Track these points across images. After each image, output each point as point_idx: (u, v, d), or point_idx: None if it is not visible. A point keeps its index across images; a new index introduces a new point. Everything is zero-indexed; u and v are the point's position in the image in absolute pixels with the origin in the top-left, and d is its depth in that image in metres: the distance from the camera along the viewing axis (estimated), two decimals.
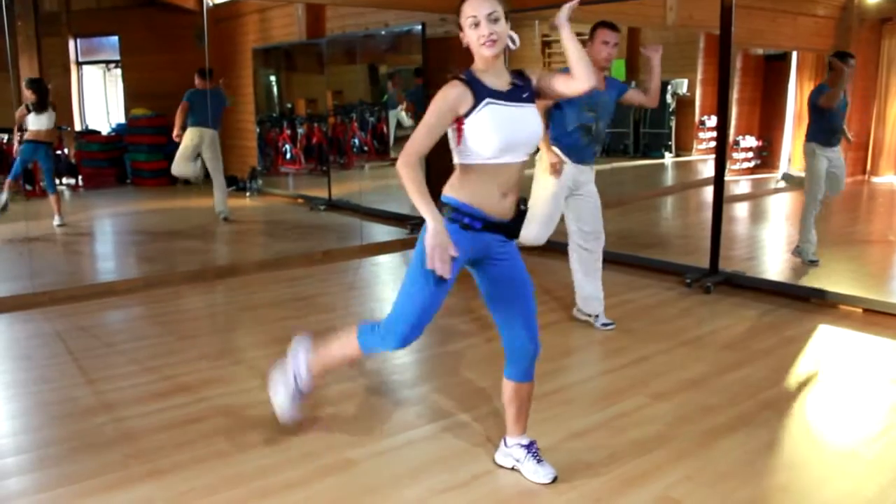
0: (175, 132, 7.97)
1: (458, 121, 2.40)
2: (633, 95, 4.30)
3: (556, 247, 4.33)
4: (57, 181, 10.87)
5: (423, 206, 2.32)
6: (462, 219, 2.45)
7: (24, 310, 4.87)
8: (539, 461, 2.72)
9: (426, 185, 2.34)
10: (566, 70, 2.55)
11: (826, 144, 5.65)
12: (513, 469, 2.78)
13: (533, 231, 4.20)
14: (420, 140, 2.38)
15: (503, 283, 2.59)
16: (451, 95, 2.38)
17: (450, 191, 2.50)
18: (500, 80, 2.46)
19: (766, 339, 4.29)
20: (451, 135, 2.44)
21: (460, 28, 2.45)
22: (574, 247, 4.43)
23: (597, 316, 4.44)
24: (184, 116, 7.91)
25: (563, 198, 4.26)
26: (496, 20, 2.38)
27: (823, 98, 5.54)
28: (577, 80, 2.50)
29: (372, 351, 2.72)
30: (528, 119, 2.46)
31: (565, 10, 2.54)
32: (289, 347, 2.97)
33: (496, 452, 2.86)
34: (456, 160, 2.48)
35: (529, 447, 2.75)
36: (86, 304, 5.02)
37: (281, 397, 2.92)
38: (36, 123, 7.55)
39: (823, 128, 5.65)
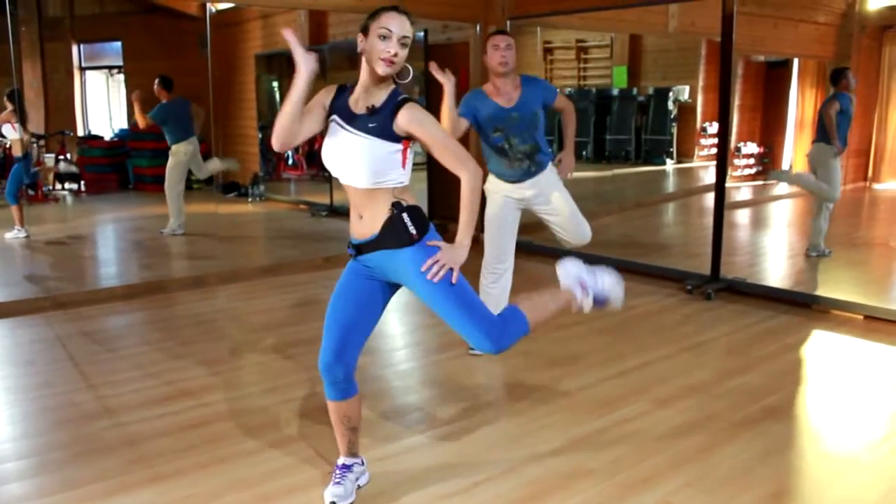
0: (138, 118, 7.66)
1: (320, 115, 2.44)
2: (560, 105, 4.10)
3: (553, 252, 4.31)
4: (59, 186, 10.94)
5: (293, 87, 2.35)
6: (349, 250, 2.51)
7: (26, 315, 4.88)
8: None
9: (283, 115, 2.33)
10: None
11: (844, 145, 5.85)
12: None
13: (486, 252, 4.12)
14: (300, 121, 2.38)
15: (419, 297, 2.48)
16: (325, 91, 2.45)
17: None
18: (364, 98, 2.38)
19: (768, 346, 4.29)
20: None
21: (364, 33, 2.35)
22: (562, 241, 4.28)
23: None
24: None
25: (508, 219, 4.09)
26: (405, 45, 2.33)
27: (826, 112, 5.76)
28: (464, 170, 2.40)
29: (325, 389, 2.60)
30: (355, 148, 2.33)
31: None
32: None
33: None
34: None
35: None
36: (88, 309, 5.03)
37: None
38: (17, 134, 7.37)
39: (840, 133, 5.82)
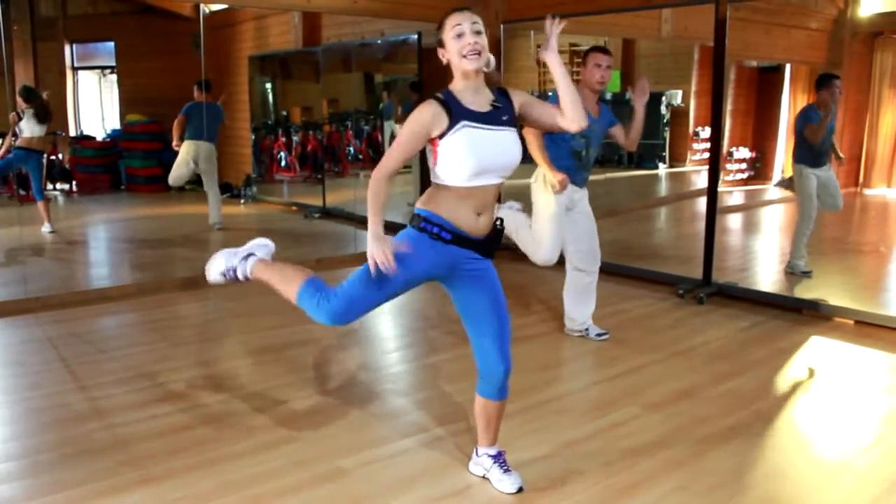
0: (174, 143, 8.02)
1: (433, 142, 2.40)
2: (616, 132, 4.28)
3: None
4: (50, 187, 10.89)
5: (372, 219, 2.38)
6: (432, 229, 2.46)
7: (16, 315, 4.85)
8: (506, 471, 2.72)
9: (382, 204, 2.40)
10: (555, 99, 2.54)
11: (814, 165, 5.71)
12: (483, 478, 2.78)
13: (542, 251, 4.17)
14: (393, 158, 2.41)
15: (474, 300, 2.57)
16: (426, 116, 2.38)
17: (423, 204, 2.50)
18: (479, 99, 2.43)
19: (759, 350, 4.30)
20: (429, 154, 2.45)
21: (441, 44, 2.43)
22: (570, 267, 4.41)
23: (587, 329, 4.45)
24: (181, 129, 7.95)
25: (563, 215, 4.22)
26: (479, 32, 2.38)
27: (808, 131, 5.65)
28: (567, 120, 2.49)
29: (303, 307, 2.71)
30: (505, 143, 2.43)
31: (553, 38, 2.48)
32: (250, 242, 3.09)
33: (469, 462, 2.86)
34: (432, 177, 2.48)
35: (497, 457, 2.76)
36: (79, 310, 5.01)
37: (214, 268, 2.98)
38: (28, 131, 7.50)
39: (811, 149, 5.71)
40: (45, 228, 7.59)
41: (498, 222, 2.56)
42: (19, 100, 7.53)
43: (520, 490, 2.68)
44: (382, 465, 2.90)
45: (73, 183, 11.11)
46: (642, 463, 2.91)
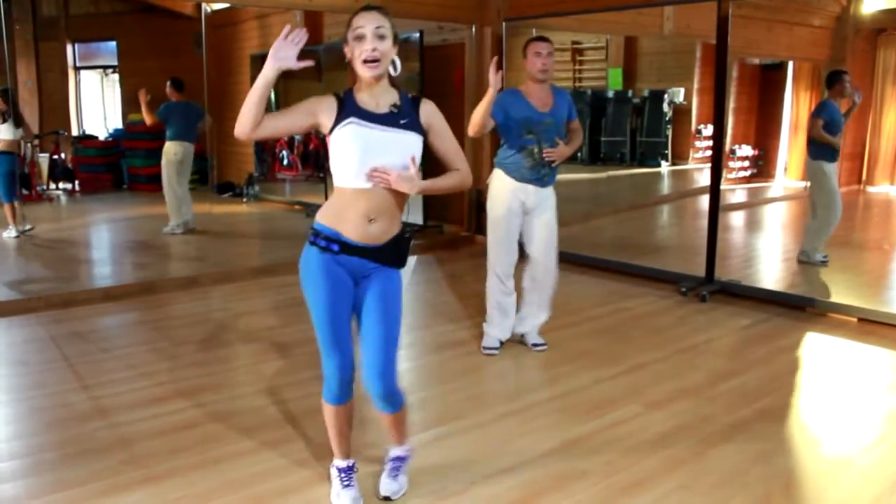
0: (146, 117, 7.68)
1: (326, 136, 2.37)
2: (573, 127, 4.11)
3: (576, 259, 4.27)
4: (53, 186, 10.91)
5: (262, 75, 2.29)
6: (319, 242, 2.41)
7: (19, 314, 4.86)
8: (392, 477, 2.68)
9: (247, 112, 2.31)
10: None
11: (832, 160, 5.77)
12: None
13: (490, 257, 4.09)
14: (275, 114, 2.36)
15: (362, 309, 2.50)
16: (321, 100, 2.35)
17: (320, 213, 2.45)
18: (379, 101, 2.36)
19: (762, 348, 4.30)
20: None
21: (345, 41, 2.36)
22: (527, 271, 4.19)
23: (524, 334, 4.29)
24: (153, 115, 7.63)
25: (515, 218, 4.02)
26: (382, 37, 2.30)
27: (815, 129, 5.73)
28: (457, 180, 2.50)
29: (331, 398, 2.56)
30: (395, 144, 2.34)
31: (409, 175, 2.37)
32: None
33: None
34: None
35: (394, 459, 2.71)
36: (81, 310, 5.01)
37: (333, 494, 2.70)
38: (6, 133, 7.31)
39: (828, 145, 5.75)
40: (10, 233, 7.41)
41: (405, 232, 2.49)
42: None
43: (385, 499, 2.64)
44: (383, 464, 2.90)
45: (76, 182, 11.14)
46: (644, 461, 2.91)
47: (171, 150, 7.65)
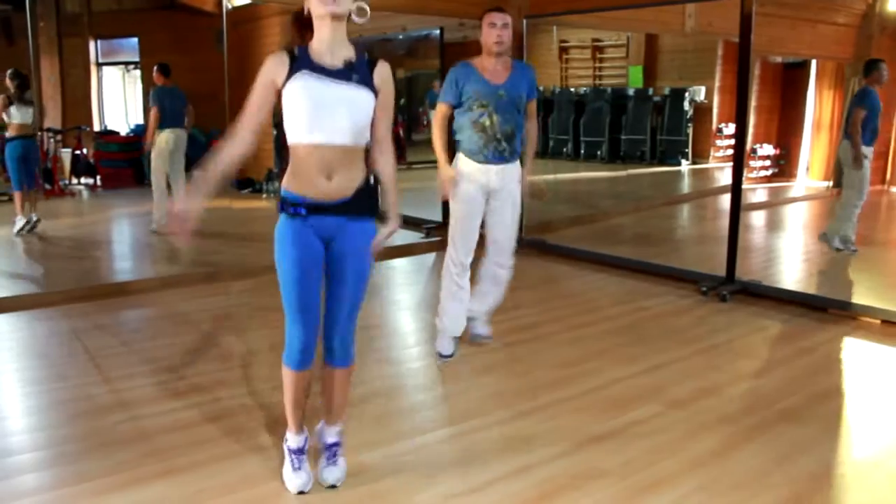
0: (147, 140, 7.39)
1: (279, 94, 2.35)
2: (529, 111, 3.89)
3: (567, 252, 4.25)
4: (75, 181, 10.99)
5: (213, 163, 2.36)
6: (288, 209, 2.42)
7: (42, 308, 4.91)
8: (332, 463, 2.69)
9: (226, 163, 2.40)
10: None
11: (869, 144, 5.85)
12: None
13: (450, 242, 3.93)
14: (242, 115, 2.39)
15: (331, 262, 2.49)
16: (270, 62, 2.36)
17: (283, 179, 2.45)
18: (334, 56, 2.35)
19: (783, 349, 4.26)
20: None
21: None
22: (486, 259, 4.02)
23: (473, 320, 4.13)
24: (157, 122, 7.30)
25: (476, 201, 3.83)
26: None
27: (854, 115, 5.82)
28: (374, 151, 2.50)
29: (291, 361, 2.56)
30: (345, 99, 2.32)
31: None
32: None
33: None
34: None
35: (330, 447, 2.70)
36: (103, 304, 5.06)
37: (284, 472, 2.73)
38: (20, 117, 7.04)
39: (869, 128, 5.83)
40: (18, 225, 7.14)
41: (370, 179, 2.47)
42: (9, 83, 6.94)
43: (332, 487, 2.64)
44: (404, 460, 2.91)
45: (98, 177, 11.24)
46: (663, 462, 2.89)
47: (164, 139, 7.30)
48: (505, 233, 3.93)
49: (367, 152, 2.45)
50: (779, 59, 9.29)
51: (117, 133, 11.96)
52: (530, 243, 6.26)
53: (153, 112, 7.30)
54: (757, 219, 8.40)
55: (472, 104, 3.75)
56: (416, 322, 4.92)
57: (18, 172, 7.11)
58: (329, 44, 2.35)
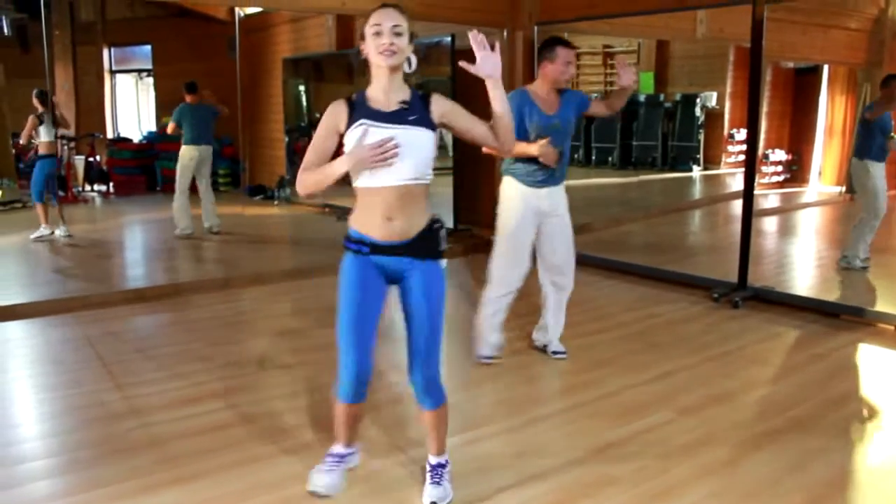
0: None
1: (340, 139, 2.43)
2: (595, 108, 4.06)
3: (578, 259, 4.22)
4: (88, 188, 11.06)
5: (335, 168, 2.39)
6: (351, 245, 2.50)
7: (55, 314, 4.95)
8: (434, 483, 2.67)
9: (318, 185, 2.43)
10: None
11: (879, 160, 5.71)
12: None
13: (497, 269, 4.00)
14: (307, 157, 2.44)
15: (405, 304, 2.54)
16: (331, 111, 2.43)
17: (350, 218, 2.53)
18: (390, 98, 2.41)
19: (796, 356, 4.24)
20: None
21: (362, 38, 2.42)
22: (544, 280, 4.13)
23: (546, 344, 4.24)
24: (172, 134, 7.76)
25: (529, 227, 3.93)
26: (399, 34, 2.37)
27: (868, 113, 5.67)
28: (500, 142, 2.49)
29: (345, 395, 2.55)
30: (402, 141, 2.35)
31: (484, 57, 2.41)
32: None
33: None
34: None
35: (434, 468, 2.70)
36: (116, 310, 5.09)
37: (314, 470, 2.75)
38: (49, 135, 7.47)
39: (877, 143, 5.70)
40: (41, 233, 7.48)
41: (434, 222, 2.50)
42: (36, 103, 7.38)
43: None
44: (414, 467, 2.91)
45: (111, 184, 11.31)
46: (675, 469, 2.88)
47: (188, 155, 7.67)
48: (564, 256, 4.04)
49: (425, 192, 2.48)
50: (790, 65, 9.26)
51: (130, 140, 12.05)
52: None
53: (170, 126, 7.69)
54: (769, 224, 8.36)
55: (531, 136, 3.84)
56: None
57: (42, 185, 7.48)
58: (386, 90, 2.42)
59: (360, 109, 2.41)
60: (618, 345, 4.38)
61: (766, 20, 5.07)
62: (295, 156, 10.74)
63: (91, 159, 11.14)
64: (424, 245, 2.48)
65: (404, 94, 2.45)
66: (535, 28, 6.70)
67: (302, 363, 4.10)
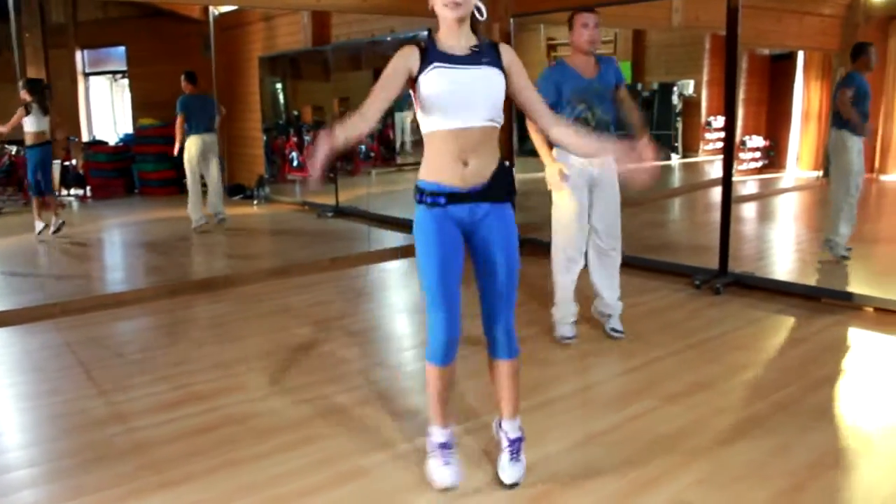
0: (176, 147, 7.74)
1: (413, 87, 2.43)
2: (622, 94, 4.11)
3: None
4: (64, 192, 10.94)
5: (340, 128, 2.32)
6: (425, 199, 2.47)
7: (34, 321, 4.89)
8: (514, 459, 2.69)
9: (352, 130, 2.33)
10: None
11: (857, 133, 5.58)
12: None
13: (556, 250, 4.16)
14: (373, 93, 2.40)
15: (477, 253, 2.56)
16: (404, 52, 2.43)
17: (420, 171, 2.51)
18: (460, 44, 2.44)
19: (777, 340, 4.28)
20: (414, 103, 2.46)
21: None
22: (592, 244, 4.24)
23: (609, 316, 4.35)
24: (183, 130, 7.69)
25: (583, 194, 4.05)
26: None
27: (841, 99, 5.53)
28: (539, 123, 2.58)
29: (435, 356, 2.58)
30: (481, 80, 2.41)
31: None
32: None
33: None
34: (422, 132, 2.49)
35: (512, 442, 2.72)
36: (96, 315, 5.04)
37: (429, 468, 2.74)
38: (37, 125, 7.33)
39: (857, 111, 5.55)
40: (52, 226, 7.47)
41: (504, 162, 2.53)
42: (24, 94, 7.31)
43: (513, 486, 2.65)
44: (403, 463, 2.90)
45: (87, 188, 11.20)
46: (662, 456, 2.90)
47: (193, 145, 7.69)
48: (613, 219, 4.17)
49: (496, 133, 2.50)
50: (766, 52, 9.31)
51: (106, 143, 11.92)
52: (523, 242, 6.25)
53: (178, 120, 7.62)
54: (748, 210, 8.42)
55: (574, 103, 3.93)
56: (411, 325, 4.92)
57: (35, 177, 7.37)
58: (455, 37, 2.45)
59: (432, 53, 2.42)
60: (601, 334, 4.39)
61: (740, 8, 5.09)
62: (273, 154, 10.68)
63: (67, 163, 11.01)
64: (500, 186, 2.51)
65: (473, 39, 2.47)
66: (511, 20, 6.69)
67: (285, 363, 4.08)
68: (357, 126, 2.36)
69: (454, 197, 2.46)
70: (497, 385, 2.71)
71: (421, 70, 2.40)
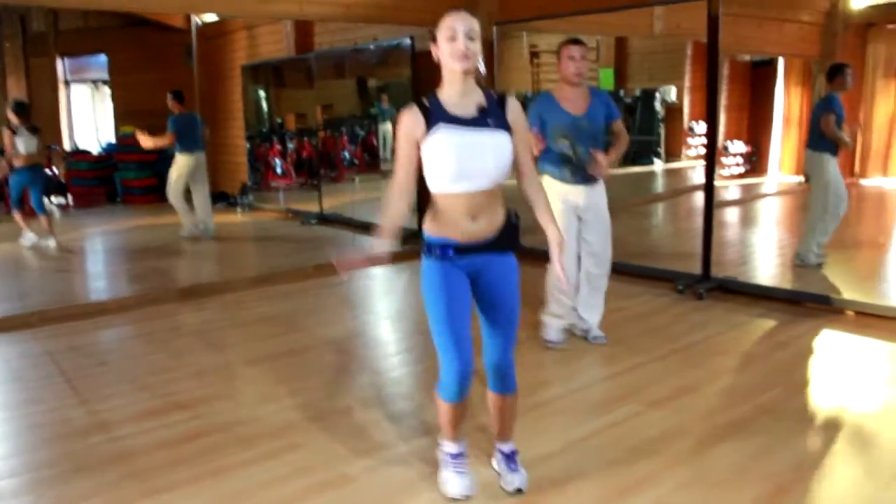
0: (153, 144, 7.84)
1: (419, 146, 2.41)
2: (617, 129, 4.08)
3: (542, 255, 4.21)
4: (46, 201, 10.86)
5: (384, 216, 2.41)
6: (435, 251, 2.48)
7: (14, 331, 4.84)
8: (513, 470, 2.72)
9: (397, 217, 2.43)
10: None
11: (834, 153, 5.59)
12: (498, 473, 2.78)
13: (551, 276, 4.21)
14: (396, 172, 2.44)
15: (480, 294, 2.57)
16: (406, 121, 2.41)
17: (425, 224, 2.51)
18: (465, 102, 2.41)
19: (760, 344, 4.30)
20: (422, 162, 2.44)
21: (433, 40, 2.42)
22: (582, 267, 4.26)
23: (587, 330, 4.36)
24: (170, 144, 7.80)
25: (571, 218, 4.06)
26: (472, 39, 2.37)
27: (825, 122, 5.51)
28: (523, 184, 2.57)
29: (449, 395, 2.55)
30: (490, 146, 2.38)
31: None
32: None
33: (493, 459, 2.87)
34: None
35: (508, 456, 2.75)
36: (77, 324, 5.00)
37: (443, 478, 2.76)
38: (26, 147, 7.40)
39: (842, 139, 5.59)
40: (51, 243, 7.60)
41: (512, 216, 2.55)
42: (11, 116, 7.34)
43: (518, 491, 2.68)
44: (388, 470, 2.89)
45: (69, 196, 11.12)
46: (645, 461, 2.90)
47: (184, 163, 7.75)
48: (601, 245, 4.19)
49: (500, 191, 2.51)
50: (747, 58, 9.39)
51: (88, 152, 11.85)
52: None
53: (169, 137, 7.69)
54: (731, 215, 8.47)
55: (557, 137, 3.91)
56: (396, 332, 4.91)
57: (18, 194, 7.59)
58: (461, 94, 2.41)
59: (436, 113, 2.39)
60: (585, 340, 4.40)
61: (721, 15, 5.14)
62: (257, 162, 10.66)
63: (48, 172, 10.94)
64: (507, 239, 2.53)
65: (478, 96, 2.44)
66: (494, 28, 6.71)
67: (267, 370, 4.06)
68: (401, 208, 2.43)
69: (462, 249, 2.47)
70: (495, 415, 2.73)
71: (427, 131, 2.38)
